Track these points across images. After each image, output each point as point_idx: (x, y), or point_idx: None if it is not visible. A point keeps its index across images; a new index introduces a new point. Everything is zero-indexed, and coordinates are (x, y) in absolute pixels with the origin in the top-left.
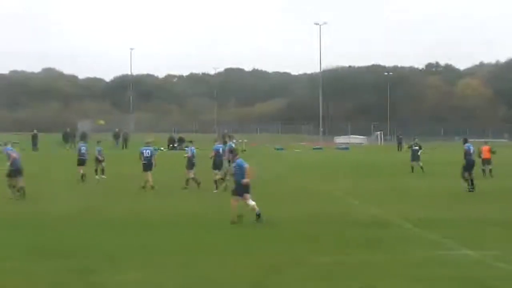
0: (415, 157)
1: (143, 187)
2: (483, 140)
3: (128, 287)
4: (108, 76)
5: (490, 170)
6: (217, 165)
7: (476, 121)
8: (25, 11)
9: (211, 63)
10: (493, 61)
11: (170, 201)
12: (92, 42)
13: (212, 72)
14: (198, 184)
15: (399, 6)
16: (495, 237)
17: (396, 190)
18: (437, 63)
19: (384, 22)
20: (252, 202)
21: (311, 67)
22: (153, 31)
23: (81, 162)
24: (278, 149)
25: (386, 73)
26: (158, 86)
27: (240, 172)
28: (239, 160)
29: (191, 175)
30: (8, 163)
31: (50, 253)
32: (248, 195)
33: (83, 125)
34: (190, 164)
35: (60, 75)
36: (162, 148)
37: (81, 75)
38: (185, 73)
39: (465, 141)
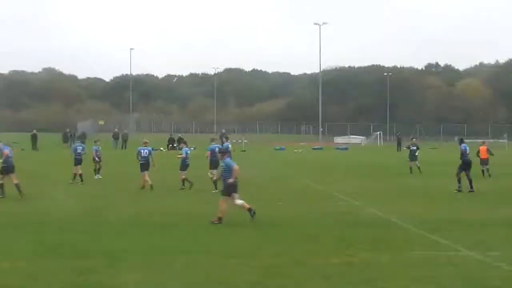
0: (413, 157)
1: (143, 187)
2: (480, 140)
3: (129, 287)
4: (108, 76)
5: (487, 170)
6: (213, 164)
7: (476, 121)
8: (25, 11)
9: (211, 63)
10: (492, 61)
11: (169, 201)
12: (92, 42)
13: (212, 72)
14: (191, 185)
15: (399, 6)
16: (496, 238)
17: (396, 190)
18: (436, 63)
19: (384, 22)
20: (239, 201)
21: (311, 67)
22: (153, 31)
23: (77, 162)
24: (277, 149)
25: (385, 74)
26: (158, 86)
27: (228, 171)
28: (228, 160)
29: (183, 176)
30: (1, 160)
31: (50, 253)
32: (236, 195)
33: (83, 125)
34: (184, 165)
35: (60, 75)
36: (162, 149)
37: (81, 75)
38: (185, 73)
39: (461, 141)
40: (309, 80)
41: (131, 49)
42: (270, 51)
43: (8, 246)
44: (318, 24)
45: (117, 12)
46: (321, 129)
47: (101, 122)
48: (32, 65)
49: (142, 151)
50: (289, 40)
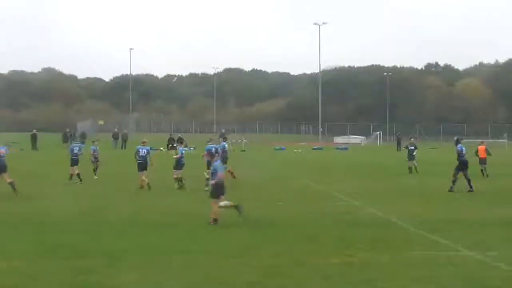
0: (411, 156)
1: (141, 187)
2: (479, 140)
3: (128, 287)
4: (107, 76)
5: (485, 169)
6: (210, 165)
7: (476, 121)
8: (25, 11)
9: (211, 63)
10: (492, 61)
11: (169, 201)
12: (92, 42)
13: (211, 72)
14: (182, 185)
15: (399, 6)
16: (495, 238)
17: (395, 190)
18: (436, 63)
19: (384, 22)
20: (223, 203)
21: (311, 67)
22: (153, 31)
23: (73, 162)
24: (277, 149)
25: (385, 73)
26: (158, 86)
27: (215, 175)
28: (216, 163)
29: (175, 175)
30: None
31: (50, 253)
32: (222, 197)
33: (83, 125)
34: (179, 164)
35: (60, 75)
36: (162, 149)
37: (81, 75)
38: (185, 73)
39: (457, 142)
40: (309, 80)
41: (131, 49)
42: (270, 51)
43: (8, 246)
44: (318, 24)
45: (117, 12)
46: (321, 129)
47: (101, 122)
48: (32, 65)
49: (141, 150)
50: (288, 40)
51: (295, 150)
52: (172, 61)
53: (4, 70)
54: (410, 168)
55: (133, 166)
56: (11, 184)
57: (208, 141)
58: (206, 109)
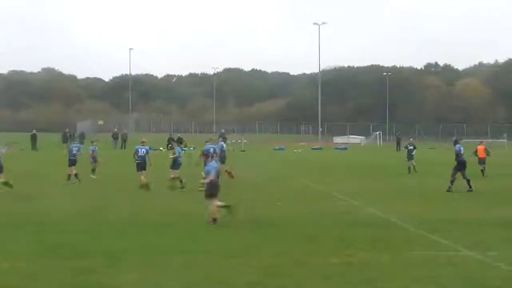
0: (410, 156)
1: (142, 187)
2: (478, 140)
3: (128, 287)
4: (107, 76)
5: (484, 169)
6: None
7: (475, 121)
8: (25, 11)
9: (211, 63)
10: (492, 61)
11: (168, 201)
12: (91, 42)
13: (211, 72)
14: (172, 185)
15: (399, 6)
16: (495, 238)
17: (395, 190)
18: (436, 63)
19: (383, 22)
20: (214, 203)
21: (310, 67)
22: (153, 31)
23: (71, 163)
24: (277, 149)
25: (385, 73)
26: (157, 86)
27: (207, 175)
28: (211, 163)
29: (172, 175)
30: None
31: (50, 253)
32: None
33: (83, 125)
34: (176, 164)
35: (60, 75)
36: (161, 149)
37: (81, 75)
38: (184, 73)
39: (456, 142)
40: (309, 80)
41: (131, 49)
42: (270, 51)
43: (8, 246)
44: (318, 24)
45: (117, 12)
46: (321, 129)
47: (101, 122)
48: (32, 65)
49: (140, 150)
50: (288, 40)
51: (295, 150)
52: (172, 61)
53: (4, 70)
54: (409, 168)
55: (133, 166)
56: (6, 183)
57: (207, 142)
58: (206, 109)
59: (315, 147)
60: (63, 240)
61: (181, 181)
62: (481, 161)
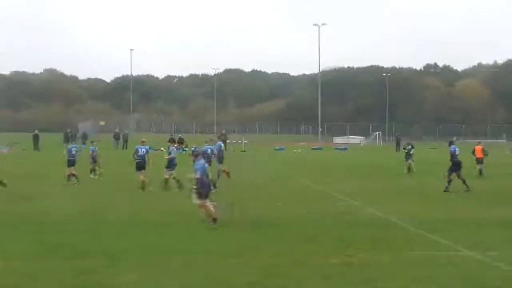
0: (407, 156)
1: (143, 188)
2: (476, 140)
3: (128, 287)
4: (108, 77)
5: (482, 168)
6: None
7: (475, 121)
8: (27, 12)
9: (211, 64)
10: (491, 62)
11: (168, 201)
12: (92, 42)
13: (212, 73)
14: (165, 186)
15: (399, 7)
16: (495, 238)
17: (395, 190)
18: (435, 64)
19: (383, 22)
20: (197, 201)
21: (310, 68)
22: (154, 32)
23: (70, 163)
24: (277, 149)
25: (384, 74)
26: (158, 86)
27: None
28: (200, 162)
29: (167, 176)
30: None
31: (50, 253)
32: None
33: (84, 126)
34: (172, 165)
35: (61, 75)
36: (162, 149)
37: (82, 76)
38: (185, 74)
39: (451, 143)
40: (309, 80)
41: (131, 49)
42: (270, 52)
43: (8, 246)
44: (318, 25)
45: (117, 12)
46: (320, 129)
47: (102, 123)
48: (33, 65)
49: (140, 149)
50: (288, 40)
51: (295, 150)
52: (173, 62)
53: (6, 71)
54: (409, 168)
55: (133, 166)
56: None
57: (206, 142)
58: (207, 110)
59: (315, 147)
60: (63, 240)
61: (178, 181)
62: (479, 161)
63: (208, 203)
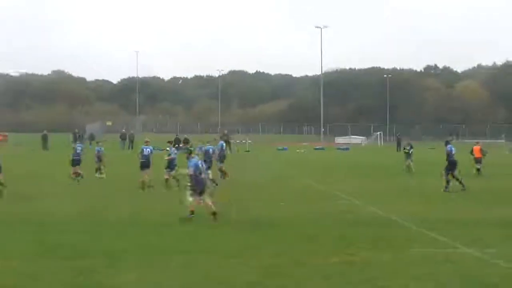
0: (407, 156)
1: (142, 188)
2: (475, 140)
3: (128, 287)
4: (115, 78)
5: (479, 169)
6: (207, 165)
7: (474, 122)
8: (36, 15)
9: (216, 66)
10: (490, 63)
11: (169, 200)
12: (100, 45)
13: (216, 74)
14: (166, 186)
15: (398, 6)
16: (493, 235)
17: (395, 189)
18: (435, 65)
19: (383, 23)
20: (190, 199)
21: (313, 69)
22: (160, 34)
23: (75, 162)
24: (280, 149)
25: (385, 75)
26: (164, 88)
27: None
28: (193, 159)
29: (166, 176)
30: None
31: (50, 253)
32: (201, 197)
33: (92, 127)
34: (172, 165)
35: (69, 77)
36: (168, 149)
37: (89, 78)
38: (190, 75)
39: (447, 143)
40: (311, 81)
41: (137, 51)
42: (273, 54)
43: (7, 246)
44: (319, 27)
45: (123, 17)
46: (323, 130)
47: (109, 123)
48: (42, 67)
49: (145, 149)
50: (291, 42)
51: (298, 150)
52: (178, 63)
53: (15, 72)
54: (408, 167)
55: (138, 166)
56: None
57: (208, 142)
58: (211, 111)
59: (317, 147)
60: (63, 240)
61: (177, 180)
62: (477, 161)
63: (204, 200)
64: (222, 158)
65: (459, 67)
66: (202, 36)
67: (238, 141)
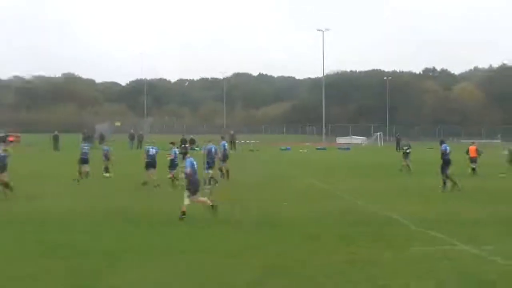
0: (405, 155)
1: (143, 184)
2: (471, 141)
3: (128, 287)
4: (124, 80)
5: (474, 169)
6: (209, 164)
7: (471, 123)
8: (49, 19)
9: (220, 68)
10: (486, 66)
11: (170, 200)
12: (108, 48)
13: (221, 76)
14: (173, 185)
15: (397, 8)
16: (490, 233)
17: (396, 189)
18: (433, 68)
19: (383, 23)
20: (187, 202)
21: (315, 72)
22: (162, 36)
23: (82, 161)
24: (283, 149)
25: (385, 78)
26: (171, 90)
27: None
28: (189, 159)
29: (171, 175)
30: None
31: (50, 253)
32: (196, 195)
33: (101, 127)
34: (173, 165)
35: (79, 79)
36: (169, 153)
37: (99, 80)
38: (196, 77)
39: (442, 142)
40: (313, 83)
41: (142, 53)
42: (276, 57)
43: (8, 246)
44: (321, 30)
45: (126, 19)
46: (324, 130)
47: (118, 124)
48: (53, 69)
49: (150, 149)
50: (293, 46)
51: (300, 150)
52: (182, 65)
53: (27, 75)
54: (407, 166)
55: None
56: (6, 183)
57: (210, 141)
58: (216, 112)
59: (319, 147)
60: (63, 240)
61: (176, 179)
62: (472, 160)
63: (198, 198)
64: (224, 158)
65: (456, 70)
66: (203, 37)
67: (242, 141)
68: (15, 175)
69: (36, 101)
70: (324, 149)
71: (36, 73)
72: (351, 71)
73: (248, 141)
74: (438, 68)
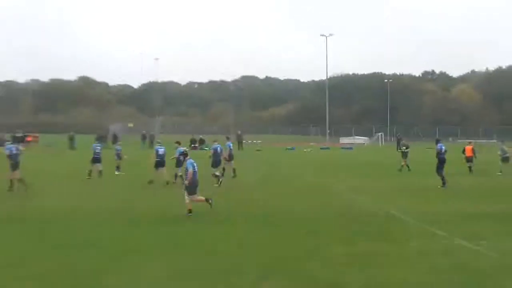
0: (404, 155)
1: (149, 182)
2: (467, 140)
3: (129, 287)
4: (135, 83)
5: (470, 167)
6: (216, 163)
7: (469, 123)
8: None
9: (228, 71)
10: (488, 64)
11: (171, 199)
12: (121, 52)
13: (229, 79)
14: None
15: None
16: (487, 229)
17: (396, 187)
18: (432, 71)
19: (383, 25)
20: (187, 201)
21: (319, 75)
22: (177, 42)
23: (95, 160)
24: (288, 149)
25: (386, 80)
26: (181, 92)
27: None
28: (189, 162)
29: (179, 172)
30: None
31: (50, 253)
32: (195, 195)
33: (114, 128)
34: (179, 163)
35: (93, 82)
36: (186, 149)
37: (112, 82)
38: (205, 80)
39: (437, 142)
40: (317, 86)
41: (156, 59)
42: (281, 60)
43: (8, 246)
44: (325, 35)
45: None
46: (328, 131)
47: (130, 125)
48: (68, 72)
49: (159, 149)
50: (298, 50)
51: (305, 150)
52: (194, 69)
53: (45, 78)
54: (408, 166)
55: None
56: (21, 180)
57: (215, 141)
58: (224, 113)
59: (323, 147)
60: (63, 240)
61: (175, 177)
62: (468, 160)
63: (197, 197)
64: (230, 157)
65: (454, 72)
66: (216, 46)
67: (250, 141)
68: (27, 173)
69: (54, 103)
70: (327, 148)
71: (54, 77)
72: (353, 74)
73: (254, 141)
74: (437, 71)
